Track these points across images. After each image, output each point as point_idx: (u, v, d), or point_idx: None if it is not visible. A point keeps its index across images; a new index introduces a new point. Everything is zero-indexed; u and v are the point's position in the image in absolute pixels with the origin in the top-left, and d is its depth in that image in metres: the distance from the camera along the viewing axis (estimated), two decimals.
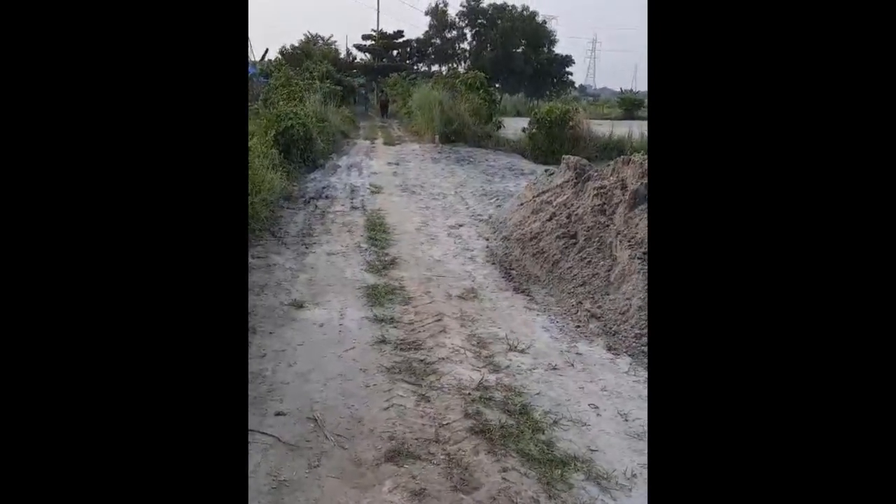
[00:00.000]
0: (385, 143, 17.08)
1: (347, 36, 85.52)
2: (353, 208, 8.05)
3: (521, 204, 7.01)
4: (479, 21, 50.77)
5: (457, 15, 51.85)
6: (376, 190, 9.52)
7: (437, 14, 52.17)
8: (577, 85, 57.64)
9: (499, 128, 18.14)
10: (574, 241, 5.15)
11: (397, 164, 12.79)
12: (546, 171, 7.50)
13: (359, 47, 46.91)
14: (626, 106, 37.40)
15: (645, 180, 5.00)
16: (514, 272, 5.38)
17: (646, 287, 4.10)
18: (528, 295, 4.84)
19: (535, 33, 49.24)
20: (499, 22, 49.38)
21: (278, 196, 7.85)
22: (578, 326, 4.16)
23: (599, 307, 4.27)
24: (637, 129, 17.72)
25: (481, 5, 50.41)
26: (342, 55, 42.10)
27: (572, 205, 5.79)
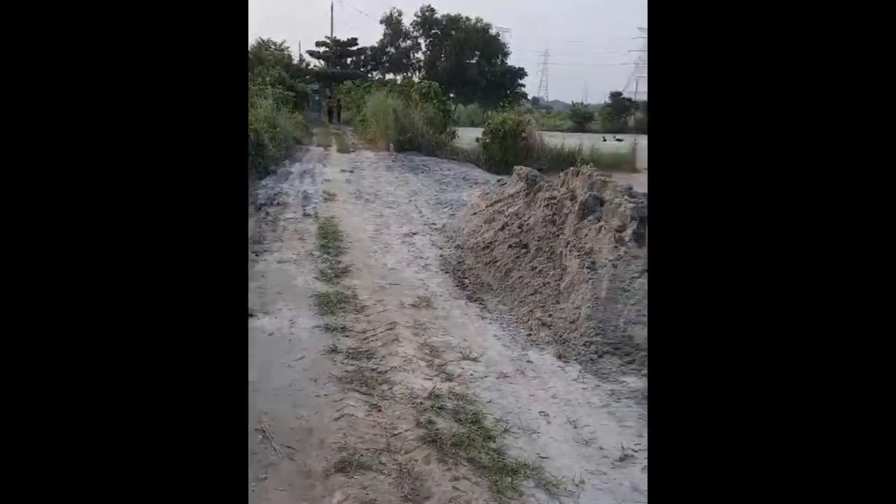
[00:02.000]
0: (339, 151, 16.97)
1: (300, 42, 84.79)
2: (306, 215, 7.96)
3: (475, 213, 7.07)
4: (433, 31, 51.05)
5: (411, 24, 52.02)
6: (329, 197, 9.44)
7: (392, 23, 52.22)
8: (529, 97, 58.54)
9: (453, 137, 18.22)
10: (525, 250, 5.22)
11: (351, 171, 12.72)
12: (499, 180, 7.58)
13: (312, 54, 46.51)
14: (577, 118, 38.26)
15: (592, 192, 5.11)
16: (467, 281, 5.41)
17: (594, 296, 4.19)
18: (481, 303, 4.87)
19: (489, 45, 49.81)
20: (453, 33, 49.78)
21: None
22: (530, 335, 4.21)
23: (550, 316, 4.33)
24: (587, 142, 18.14)
25: (435, 16, 50.73)
26: (295, 61, 41.63)
27: (524, 215, 5.87)
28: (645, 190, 5.70)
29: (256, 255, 5.87)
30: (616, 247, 4.38)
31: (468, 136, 17.64)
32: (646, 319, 3.95)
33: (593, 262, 4.44)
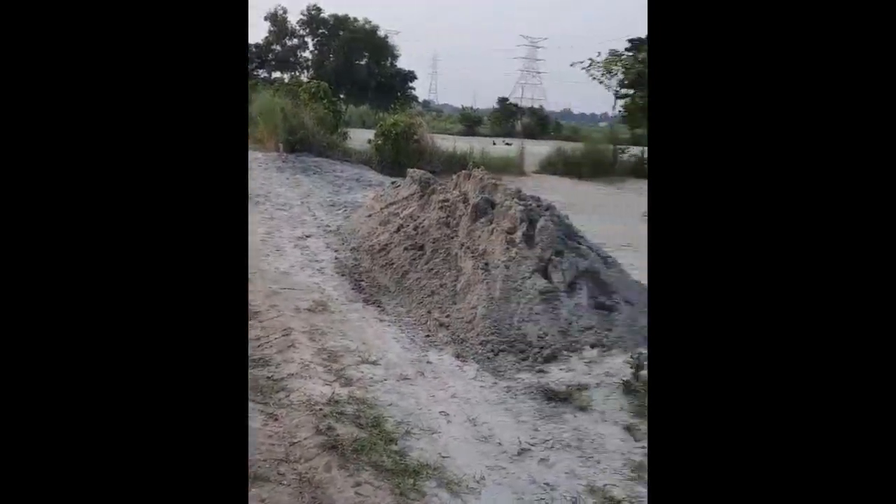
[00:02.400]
0: None
1: None
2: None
3: (370, 215, 7.04)
4: (321, 31, 50.11)
5: (297, 23, 50.74)
6: None
7: (277, 20, 50.69)
8: (420, 100, 58.92)
9: (345, 138, 17.99)
10: (421, 252, 5.27)
11: None
12: (393, 182, 7.60)
13: None
14: (467, 122, 38.96)
15: (484, 194, 5.25)
16: (364, 283, 5.38)
17: (488, 296, 4.31)
18: (378, 306, 4.86)
19: (378, 47, 49.61)
20: (341, 33, 49.14)
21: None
22: (428, 336, 4.26)
23: (447, 316, 4.40)
24: (478, 145, 18.54)
25: (322, 15, 49.81)
26: None
27: (418, 217, 5.93)
28: (532, 193, 5.94)
29: None
30: (508, 248, 4.53)
31: (360, 138, 17.48)
32: (538, 317, 4.12)
33: (487, 263, 4.56)
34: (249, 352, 3.78)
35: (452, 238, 5.13)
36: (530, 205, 4.88)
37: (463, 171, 6.06)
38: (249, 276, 5.36)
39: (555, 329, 4.07)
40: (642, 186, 16.09)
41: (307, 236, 7.12)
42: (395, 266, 5.36)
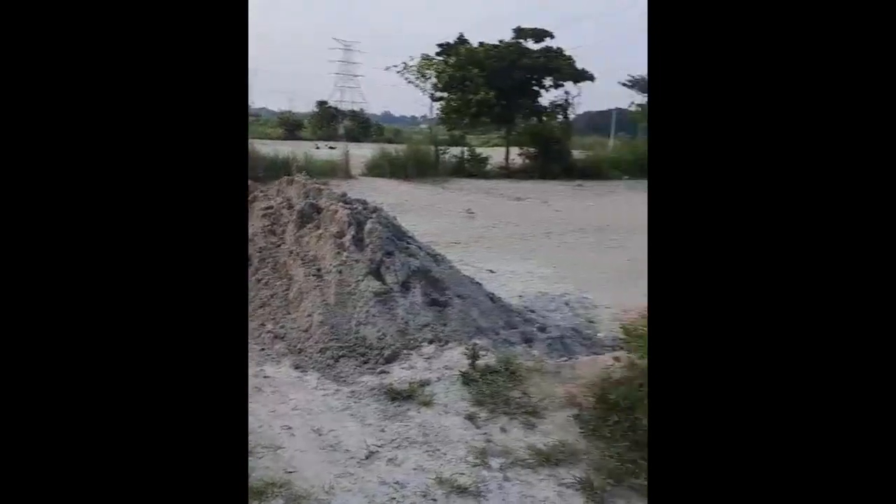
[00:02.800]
0: None
1: None
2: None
3: None
4: None
5: None
6: None
7: None
8: None
9: None
10: (249, 263, 5.03)
11: None
12: None
13: None
14: (287, 126, 37.89)
15: (308, 199, 5.16)
16: None
17: (323, 302, 4.24)
18: None
19: None
20: None
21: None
22: (263, 349, 4.08)
23: (282, 327, 4.25)
24: (300, 149, 18.12)
25: None
26: None
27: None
28: (361, 195, 5.94)
29: None
30: (338, 252, 4.49)
31: None
32: (375, 319, 4.14)
33: (318, 269, 4.48)
34: None
35: (279, 246, 4.97)
36: (356, 208, 4.88)
37: (285, 177, 5.90)
38: None
39: (393, 329, 4.11)
40: (463, 185, 16.83)
41: None
42: None
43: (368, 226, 4.64)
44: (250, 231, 5.39)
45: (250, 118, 46.79)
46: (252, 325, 4.39)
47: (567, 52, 19.76)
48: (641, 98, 25.05)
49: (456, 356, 3.83)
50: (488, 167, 19.16)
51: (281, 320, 4.32)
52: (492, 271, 7.07)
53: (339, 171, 16.70)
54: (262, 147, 16.32)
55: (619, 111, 32.54)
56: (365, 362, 3.89)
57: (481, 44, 19.66)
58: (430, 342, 4.08)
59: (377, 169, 17.44)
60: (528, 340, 4.34)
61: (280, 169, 15.49)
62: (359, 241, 4.56)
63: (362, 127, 38.71)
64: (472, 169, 18.82)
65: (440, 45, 20.18)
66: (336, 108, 45.73)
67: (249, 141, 16.24)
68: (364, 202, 5.17)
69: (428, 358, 3.94)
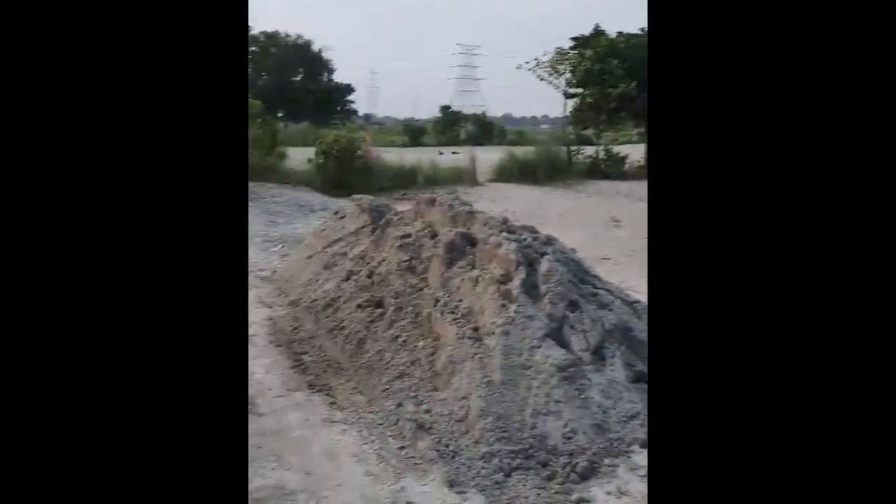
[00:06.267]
0: None
1: None
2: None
3: (310, 256, 5.67)
4: (251, 48, 48.49)
5: None
6: None
7: None
8: (360, 113, 57.60)
9: (283, 159, 16.55)
10: (381, 310, 3.93)
11: None
12: (335, 213, 6.24)
13: None
14: (411, 133, 37.87)
15: (458, 228, 3.98)
16: (306, 357, 4.01)
17: (484, 379, 3.02)
18: (327, 394, 3.51)
19: (312, 62, 48.33)
20: (272, 50, 47.65)
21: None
22: (403, 448, 2.93)
23: (427, 411, 3.08)
24: (425, 156, 17.44)
25: (252, 32, 48.18)
26: None
27: (372, 259, 4.59)
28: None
29: None
30: (503, 305, 3.23)
31: (301, 157, 16.01)
32: (560, 407, 2.86)
33: (476, 329, 3.26)
34: None
35: (421, 290, 3.82)
36: (524, 239, 3.61)
37: (424, 196, 4.77)
38: None
39: (586, 422, 2.82)
40: (601, 188, 15.21)
41: None
42: (346, 331, 4.00)
43: (545, 265, 3.35)
44: (383, 266, 4.31)
45: (375, 127, 47.60)
46: (387, 404, 3.26)
47: None
48: None
49: None
50: (625, 166, 17.38)
51: (425, 401, 3.14)
52: None
53: (466, 177, 15.79)
54: (387, 155, 15.73)
55: None
56: (549, 477, 2.62)
57: (620, 33, 18.04)
58: (644, 445, 2.74)
59: (505, 174, 16.38)
60: None
61: (405, 178, 14.97)
62: (531, 289, 3.29)
63: (485, 130, 37.97)
64: (609, 169, 17.19)
65: (574, 39, 18.78)
66: (458, 112, 45.25)
67: (375, 149, 15.94)
68: (533, 230, 3.89)
69: (642, 471, 2.61)
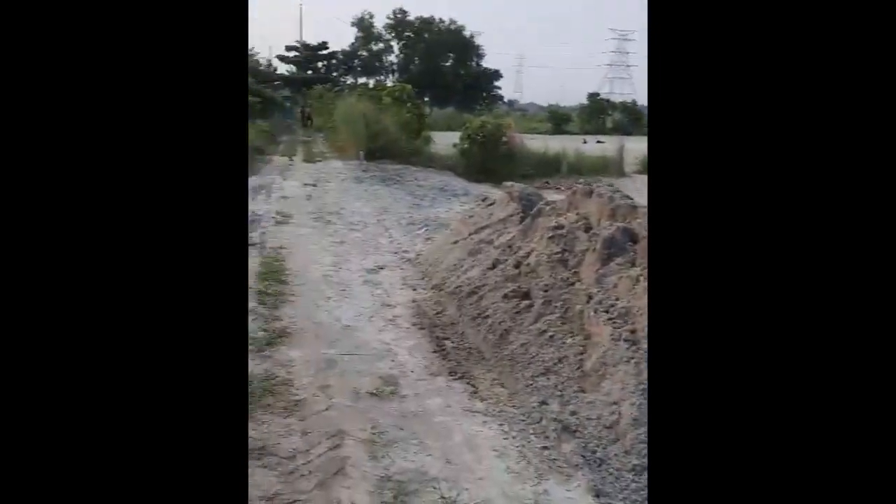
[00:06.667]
0: (304, 161, 15.52)
1: (271, 47, 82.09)
2: (249, 245, 6.49)
3: (455, 241, 5.68)
4: (406, 34, 49.95)
5: (383, 27, 50.85)
6: (283, 219, 7.98)
7: (363, 26, 50.95)
8: (505, 99, 57.54)
9: (429, 143, 16.91)
10: (528, 302, 3.82)
11: (314, 184, 11.27)
12: (484, 200, 6.20)
13: (282, 59, 45.00)
14: (555, 120, 37.14)
15: (618, 223, 3.75)
16: (448, 343, 4.01)
17: (638, 385, 2.81)
18: (469, 383, 3.47)
19: (463, 47, 48.85)
20: (426, 35, 48.72)
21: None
22: (546, 448, 2.81)
23: (574, 413, 2.94)
24: (569, 144, 17.00)
25: (408, 18, 49.60)
26: (261, 66, 40.03)
27: (520, 248, 4.48)
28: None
29: None
30: None
31: (445, 141, 16.26)
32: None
33: (633, 331, 3.05)
34: (277, 483, 2.49)
35: (572, 284, 3.66)
36: None
37: (579, 186, 4.57)
38: (300, 332, 4.12)
39: None
40: None
41: (380, 268, 5.85)
42: (490, 321, 3.94)
43: None
44: (532, 257, 4.19)
45: (518, 113, 47.29)
46: (530, 400, 3.15)
47: None
48: None
49: None
50: None
51: (572, 402, 3.00)
52: None
53: (612, 167, 15.21)
54: (531, 142, 15.52)
55: None
56: None
57: None
58: None
59: None
60: None
61: (548, 165, 14.69)
62: None
63: (633, 119, 36.32)
64: None
65: None
66: (606, 101, 43.70)
67: (519, 136, 15.79)
68: None
69: None
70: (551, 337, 3.42)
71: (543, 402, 3.08)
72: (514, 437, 2.91)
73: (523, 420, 3.05)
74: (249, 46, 35.06)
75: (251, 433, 2.81)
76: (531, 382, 3.25)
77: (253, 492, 2.40)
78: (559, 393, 3.09)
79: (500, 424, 3.03)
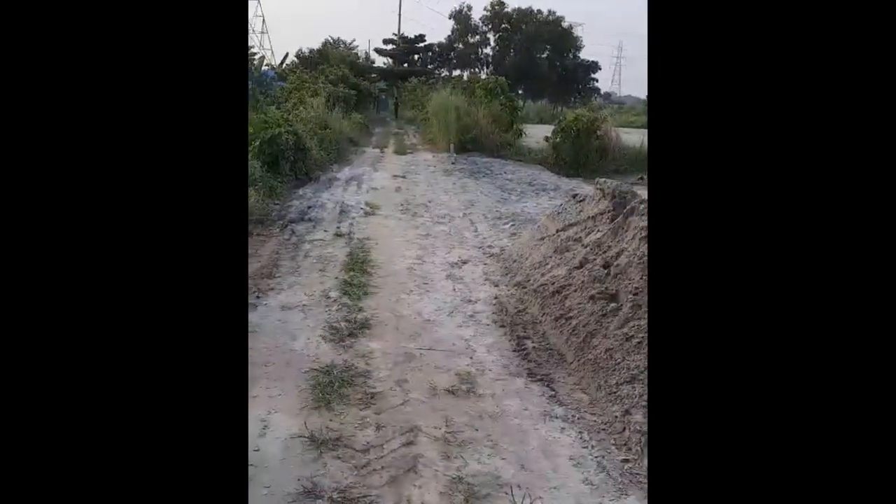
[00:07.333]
0: (395, 152, 15.72)
1: (370, 40, 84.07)
2: (337, 235, 6.63)
3: (542, 238, 5.53)
4: (503, 26, 49.65)
5: (480, 19, 50.79)
6: (371, 210, 8.11)
7: (461, 18, 51.10)
8: (601, 92, 55.99)
9: (520, 136, 16.72)
10: (615, 305, 3.65)
11: (404, 176, 11.39)
12: (574, 196, 6.00)
13: (379, 52, 45.96)
14: None
15: None
16: (529, 343, 3.90)
17: None
18: (548, 386, 3.36)
19: (561, 39, 48.00)
20: (523, 27, 48.23)
21: (248, 220, 6.48)
22: (627, 461, 2.66)
23: None
24: None
25: (506, 9, 49.27)
26: (360, 59, 41.03)
27: (609, 248, 4.29)
28: None
29: (258, 296, 4.55)
30: None
31: (537, 134, 16.02)
32: None
33: None
34: (348, 477, 2.49)
35: None
36: None
37: None
38: (381, 325, 4.14)
39: None
40: None
41: (464, 262, 5.80)
42: (574, 322, 3.79)
43: None
44: (622, 258, 4.00)
45: (615, 106, 45.86)
46: (612, 409, 3.00)
47: None
48: None
49: None
50: None
51: None
52: None
53: None
54: (626, 136, 14.94)
55: None
56: None
57: None
58: None
59: None
60: None
61: (644, 161, 14.09)
62: None
63: None
64: None
65: None
66: None
67: (614, 130, 15.26)
68: None
69: None
70: (638, 343, 3.23)
71: (627, 412, 2.92)
72: (593, 447, 2.78)
73: (604, 429, 2.91)
74: (349, 39, 35.97)
75: (328, 423, 2.84)
76: (615, 390, 3.10)
77: (326, 482, 2.42)
78: (644, 403, 2.91)
79: (580, 432, 2.91)
